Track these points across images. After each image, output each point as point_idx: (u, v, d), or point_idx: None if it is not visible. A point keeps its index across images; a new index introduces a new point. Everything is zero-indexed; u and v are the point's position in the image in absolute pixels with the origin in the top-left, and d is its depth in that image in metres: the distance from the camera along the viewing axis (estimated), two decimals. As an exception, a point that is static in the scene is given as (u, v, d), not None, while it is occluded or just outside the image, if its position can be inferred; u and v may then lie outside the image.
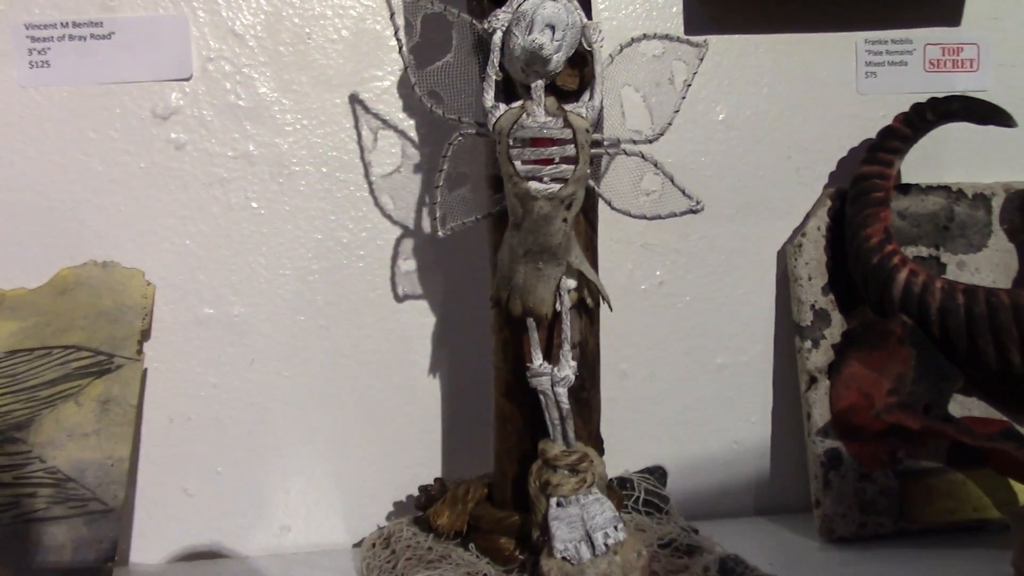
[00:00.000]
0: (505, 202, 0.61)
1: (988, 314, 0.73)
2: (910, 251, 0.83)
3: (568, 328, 0.62)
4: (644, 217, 0.63)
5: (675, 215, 0.62)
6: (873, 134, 0.84)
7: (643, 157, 0.62)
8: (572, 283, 0.62)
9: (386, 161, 0.79)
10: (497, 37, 0.59)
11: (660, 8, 0.81)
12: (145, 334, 0.74)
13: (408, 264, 0.80)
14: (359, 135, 0.78)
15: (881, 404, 0.75)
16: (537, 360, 0.62)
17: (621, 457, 0.79)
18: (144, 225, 0.76)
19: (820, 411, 0.81)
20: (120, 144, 0.75)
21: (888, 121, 0.83)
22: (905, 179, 0.84)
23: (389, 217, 0.79)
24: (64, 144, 0.75)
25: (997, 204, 0.85)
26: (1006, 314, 0.72)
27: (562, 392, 0.61)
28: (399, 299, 0.80)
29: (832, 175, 0.85)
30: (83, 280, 0.74)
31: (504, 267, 0.62)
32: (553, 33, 0.57)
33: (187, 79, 0.75)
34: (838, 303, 0.82)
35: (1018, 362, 0.73)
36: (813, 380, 0.81)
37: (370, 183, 0.79)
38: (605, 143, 0.61)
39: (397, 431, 0.80)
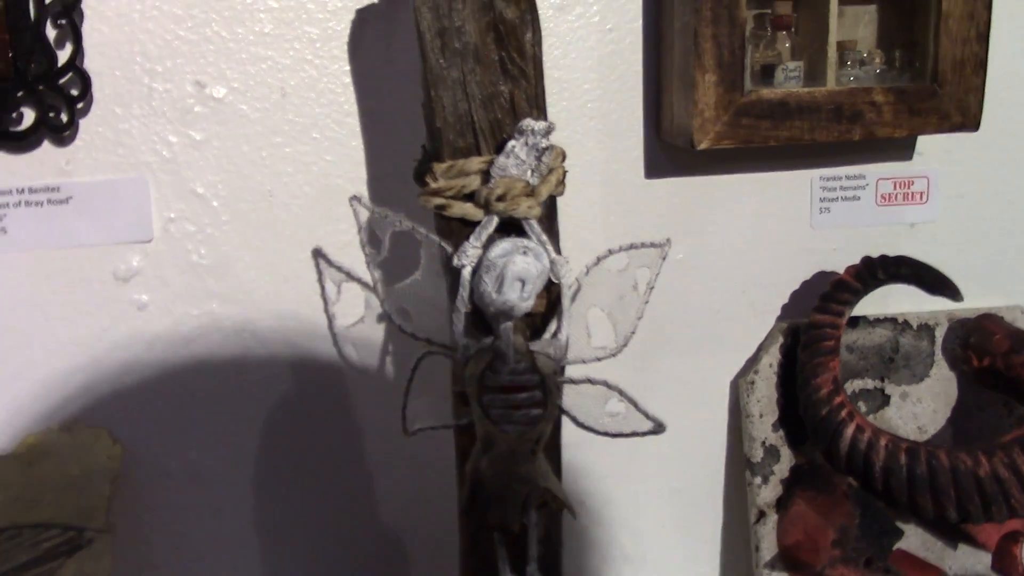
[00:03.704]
0: (471, 416, 0.62)
1: (928, 475, 0.76)
2: (856, 384, 0.86)
3: (535, 547, 0.64)
4: (607, 434, 0.65)
5: (638, 434, 0.64)
6: (825, 267, 0.86)
7: (607, 386, 0.63)
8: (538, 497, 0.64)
9: (350, 312, 0.79)
10: (466, 272, 0.60)
11: (621, 152, 0.81)
12: (112, 499, 0.74)
13: (374, 415, 0.81)
14: (323, 288, 0.78)
15: (826, 555, 0.79)
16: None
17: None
18: (107, 386, 0.76)
19: (768, 545, 0.85)
20: (82, 307, 0.75)
21: (839, 254, 0.86)
22: (854, 311, 0.87)
23: (354, 367, 0.80)
24: (24, 309, 0.74)
25: (940, 333, 0.88)
26: (945, 476, 0.76)
27: (528, 606, 0.64)
28: (365, 452, 0.81)
29: (785, 307, 0.87)
30: (50, 448, 0.74)
31: (473, 481, 0.63)
32: (523, 287, 0.58)
33: (148, 241, 0.75)
34: (787, 438, 0.85)
35: (954, 517, 0.77)
36: (762, 514, 0.85)
37: (334, 335, 0.79)
38: (572, 375, 0.63)
39: (366, 572, 0.83)
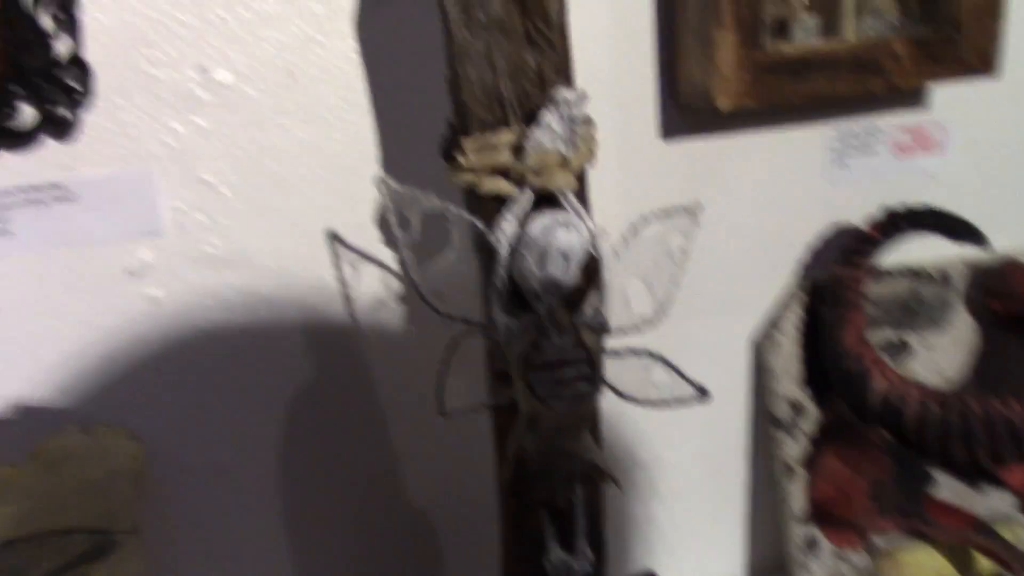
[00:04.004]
0: (510, 393, 0.61)
1: (962, 425, 0.76)
2: (879, 337, 0.86)
3: (582, 520, 0.63)
4: (651, 404, 0.64)
5: (682, 403, 0.63)
6: (843, 221, 0.85)
7: (651, 355, 0.62)
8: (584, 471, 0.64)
9: (369, 294, 0.77)
10: (504, 249, 0.59)
11: (635, 116, 0.80)
12: (139, 499, 0.73)
13: (398, 398, 0.79)
14: (340, 271, 0.77)
15: (861, 508, 0.79)
16: (555, 552, 0.63)
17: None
18: (124, 384, 0.74)
19: (798, 500, 0.85)
20: (94, 305, 0.73)
21: (857, 208, 0.85)
22: (873, 263, 0.86)
23: (374, 347, 0.78)
24: (34, 311, 0.72)
25: (958, 281, 0.87)
26: (978, 422, 0.76)
27: (581, 583, 0.63)
28: (391, 436, 0.80)
29: (805, 264, 0.86)
30: (69, 451, 0.72)
31: (518, 460, 0.62)
32: (567, 262, 0.56)
33: (159, 234, 0.72)
34: (814, 395, 0.85)
35: (987, 464, 0.77)
36: (791, 470, 0.85)
37: (354, 318, 0.78)
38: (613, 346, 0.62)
39: (393, 555, 0.82)
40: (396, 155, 0.75)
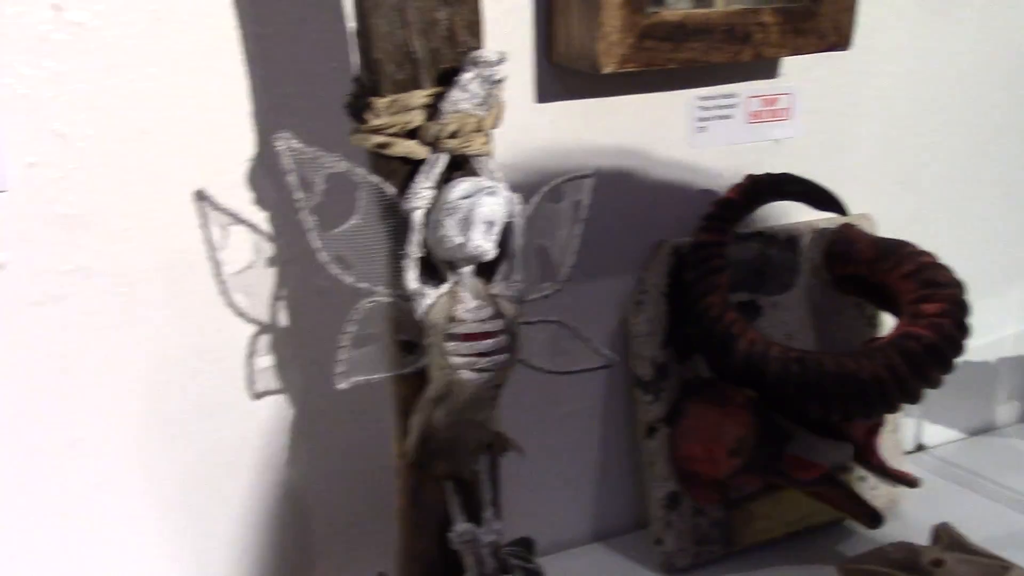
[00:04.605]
0: (416, 364, 0.60)
1: (817, 380, 0.80)
2: (732, 298, 0.89)
3: (489, 491, 0.62)
4: (558, 373, 0.64)
5: (588, 370, 0.64)
6: (703, 186, 0.88)
7: (561, 324, 0.62)
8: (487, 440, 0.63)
9: (238, 258, 0.73)
10: (418, 215, 0.56)
11: (511, 77, 0.78)
12: (-13, 485, 0.66)
13: (265, 360, 0.76)
14: (208, 233, 0.72)
15: (724, 465, 0.83)
16: (461, 525, 0.62)
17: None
18: (-35, 360, 0.67)
19: (661, 459, 0.87)
20: (-74, 272, 0.65)
21: (715, 173, 0.88)
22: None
23: (243, 315, 0.74)
24: None
25: (804, 244, 0.92)
26: (831, 380, 0.80)
27: (486, 552, 0.62)
28: (257, 397, 0.76)
29: (667, 227, 0.88)
30: (-98, 435, 0.64)
31: (423, 433, 0.61)
32: (490, 229, 0.55)
33: (3, 191, 0.65)
34: (677, 356, 0.87)
35: (837, 418, 0.82)
36: (653, 430, 0.87)
37: (222, 282, 0.73)
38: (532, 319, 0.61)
39: (264, 534, 0.78)
40: (268, 109, 0.71)
